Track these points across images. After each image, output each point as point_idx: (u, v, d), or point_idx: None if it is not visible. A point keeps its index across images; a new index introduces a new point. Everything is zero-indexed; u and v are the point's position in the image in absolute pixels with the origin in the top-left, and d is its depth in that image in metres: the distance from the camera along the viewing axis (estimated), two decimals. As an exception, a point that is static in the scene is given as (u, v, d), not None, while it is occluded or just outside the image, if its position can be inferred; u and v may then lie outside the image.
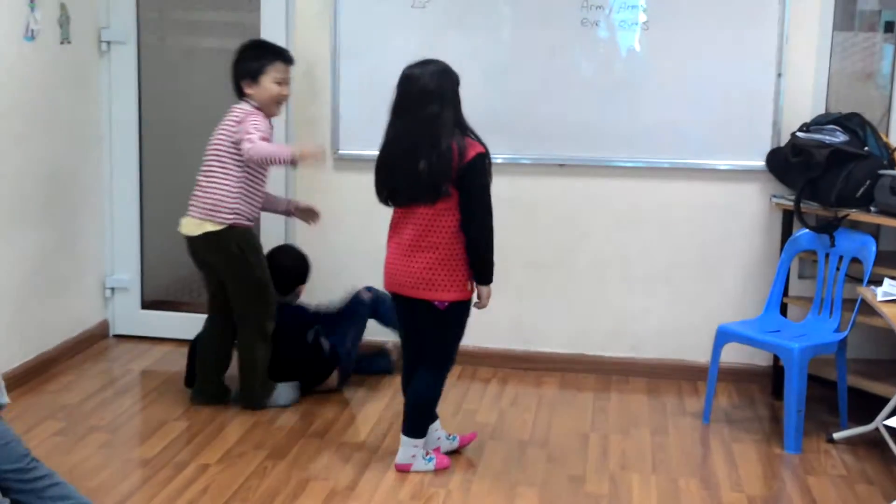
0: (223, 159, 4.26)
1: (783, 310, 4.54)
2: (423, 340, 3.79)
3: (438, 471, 3.84)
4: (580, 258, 4.98)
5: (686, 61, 4.76)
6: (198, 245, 4.32)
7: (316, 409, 4.43)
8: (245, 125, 4.19)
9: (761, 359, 4.83)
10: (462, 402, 4.57)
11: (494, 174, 4.90)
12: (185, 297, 5.44)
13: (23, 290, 4.59)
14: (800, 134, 4.54)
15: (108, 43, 5.19)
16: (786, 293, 4.56)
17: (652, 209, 4.90)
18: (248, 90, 4.28)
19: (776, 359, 4.64)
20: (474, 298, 3.77)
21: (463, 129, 3.66)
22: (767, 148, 4.72)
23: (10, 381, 4.44)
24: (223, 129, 4.28)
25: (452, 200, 3.62)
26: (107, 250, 5.32)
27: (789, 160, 4.54)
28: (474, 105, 4.85)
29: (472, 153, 3.59)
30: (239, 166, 4.25)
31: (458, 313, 3.74)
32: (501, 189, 4.93)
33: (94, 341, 5.22)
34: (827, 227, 4.35)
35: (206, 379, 4.46)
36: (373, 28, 4.94)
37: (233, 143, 4.23)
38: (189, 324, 5.29)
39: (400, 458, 3.84)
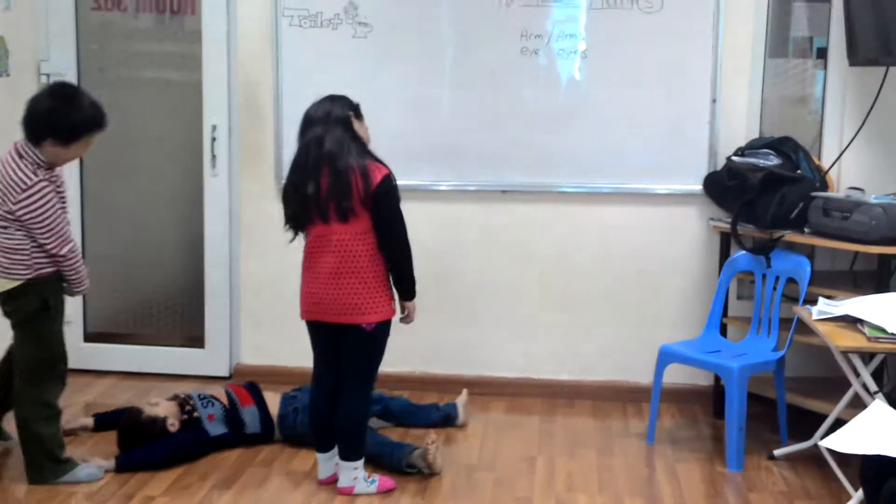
0: (5, 222, 3.81)
1: (723, 330, 4.63)
2: (346, 364, 3.82)
3: (383, 493, 3.85)
4: (525, 282, 5.04)
5: (624, 88, 4.85)
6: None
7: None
8: (39, 214, 3.73)
9: (703, 378, 4.92)
10: (409, 429, 4.58)
11: (439, 200, 5.04)
12: (130, 328, 5.39)
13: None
14: (735, 158, 4.65)
15: (48, 75, 5.16)
16: (725, 313, 4.65)
17: (594, 233, 4.98)
18: (51, 147, 3.76)
19: (717, 378, 4.73)
20: (397, 314, 3.84)
21: (361, 151, 3.73)
22: (704, 172, 4.82)
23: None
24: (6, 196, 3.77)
25: (366, 223, 3.69)
26: (49, 282, 5.25)
27: (725, 183, 4.64)
28: (417, 132, 4.97)
29: (378, 176, 3.67)
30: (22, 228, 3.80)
31: (382, 332, 3.81)
32: (447, 215, 5.04)
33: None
34: (763, 249, 4.45)
35: None
36: (315, 57, 4.97)
37: (11, 213, 3.77)
38: (134, 355, 5.27)
39: (342, 482, 3.86)
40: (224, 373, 5.23)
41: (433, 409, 4.65)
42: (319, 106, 3.76)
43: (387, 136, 4.84)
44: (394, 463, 4.07)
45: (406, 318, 3.90)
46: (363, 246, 3.70)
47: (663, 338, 4.71)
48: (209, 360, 5.24)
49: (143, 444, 4.14)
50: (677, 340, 4.65)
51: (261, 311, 5.19)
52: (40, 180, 3.77)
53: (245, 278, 5.18)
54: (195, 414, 4.25)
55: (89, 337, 5.33)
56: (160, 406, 4.24)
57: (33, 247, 3.82)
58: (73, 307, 5.24)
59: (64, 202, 3.93)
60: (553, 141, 4.92)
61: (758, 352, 4.36)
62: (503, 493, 3.92)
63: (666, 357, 4.43)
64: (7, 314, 3.94)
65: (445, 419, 4.62)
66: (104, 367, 5.28)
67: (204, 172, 5.15)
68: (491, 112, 4.94)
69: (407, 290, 3.84)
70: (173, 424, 4.19)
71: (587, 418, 4.79)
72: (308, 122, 3.75)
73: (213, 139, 5.12)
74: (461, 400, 4.71)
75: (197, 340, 5.27)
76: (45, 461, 3.91)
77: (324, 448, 3.94)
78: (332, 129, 3.69)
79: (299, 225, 3.80)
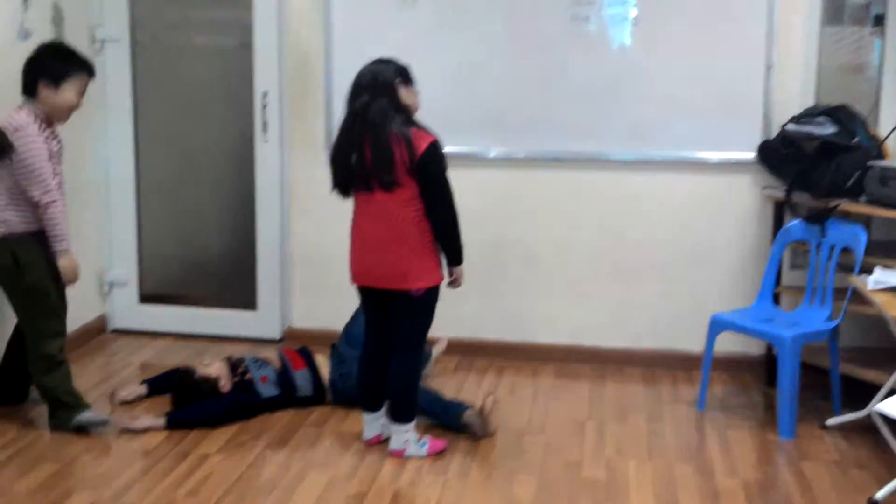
0: None
1: (776, 299, 4.60)
2: (396, 329, 3.85)
3: (434, 455, 3.89)
4: (575, 251, 5.03)
5: (677, 55, 4.81)
6: None
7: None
8: (26, 157, 3.88)
9: (755, 347, 4.89)
10: (459, 393, 4.60)
11: (489, 168, 5.03)
12: (184, 290, 5.46)
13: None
14: (790, 126, 4.60)
15: (102, 41, 5.22)
16: (778, 283, 4.62)
17: (645, 202, 4.95)
18: (44, 91, 3.96)
19: (770, 347, 4.70)
20: (448, 280, 3.86)
21: (409, 120, 3.73)
22: (758, 140, 4.77)
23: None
24: None
25: (411, 191, 3.69)
26: (104, 245, 5.35)
27: (780, 152, 4.60)
28: (467, 100, 4.97)
29: (423, 144, 3.67)
30: (5, 174, 3.95)
31: (430, 298, 3.83)
32: (496, 183, 5.03)
33: (93, 336, 5.26)
34: (818, 218, 4.41)
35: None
36: (364, 24, 4.98)
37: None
38: (188, 317, 5.35)
39: (393, 444, 3.91)
40: (275, 335, 5.29)
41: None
42: (367, 71, 3.76)
43: (436, 103, 4.85)
44: (448, 421, 4.11)
45: (454, 284, 3.91)
46: (409, 213, 3.72)
47: (714, 307, 4.70)
48: (261, 322, 5.30)
49: (195, 403, 4.20)
50: (729, 309, 4.62)
51: (311, 276, 5.23)
52: (31, 126, 3.91)
53: (296, 243, 5.22)
54: (248, 376, 4.31)
55: (144, 298, 5.42)
56: (212, 366, 4.30)
57: (7, 203, 3.94)
58: (128, 269, 5.36)
59: (55, 163, 4.01)
60: (604, 109, 4.89)
61: (811, 321, 4.33)
62: (553, 457, 3.94)
63: (718, 326, 4.42)
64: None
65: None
66: (159, 328, 5.36)
67: (255, 139, 5.19)
68: (541, 80, 4.92)
69: (454, 255, 3.84)
70: (225, 385, 4.25)
71: (637, 385, 4.79)
72: (355, 88, 3.76)
73: (264, 106, 5.15)
74: (437, 348, 4.76)
75: (249, 303, 5.33)
76: (56, 409, 4.05)
77: (371, 409, 3.99)
78: (377, 97, 3.69)
79: (345, 192, 3.83)
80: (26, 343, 4.08)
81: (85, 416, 4.07)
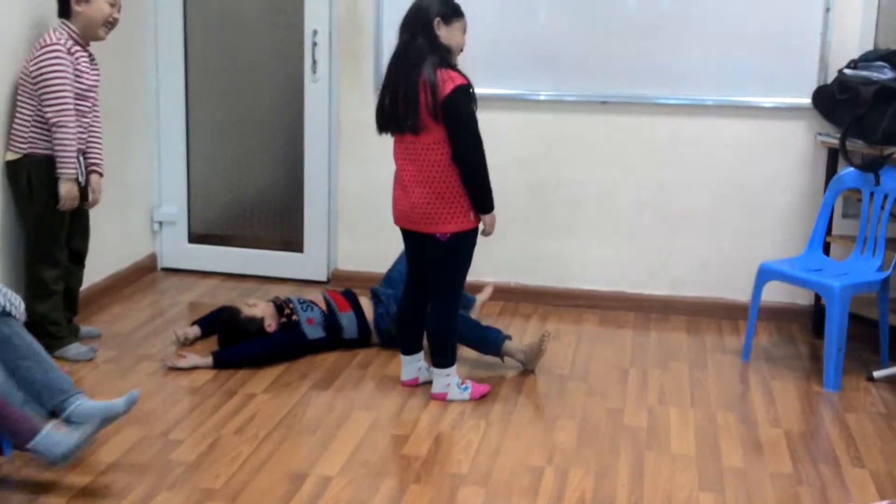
0: (23, 87, 4.04)
1: (826, 248, 4.53)
2: (431, 272, 3.86)
3: (477, 400, 3.92)
4: (622, 196, 4.99)
5: (733, -5, 4.71)
6: (4, 174, 4.13)
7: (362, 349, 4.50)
8: (47, 73, 3.94)
9: (803, 297, 4.84)
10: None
11: (537, 110, 4.98)
12: (232, 232, 5.52)
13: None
14: (847, 71, 4.49)
15: (152, -21, 5.24)
16: (829, 232, 4.54)
17: (695, 147, 4.88)
18: (76, 7, 4.01)
19: (818, 297, 4.65)
20: (480, 227, 3.83)
21: (441, 59, 3.67)
22: (814, 85, 4.67)
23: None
24: (30, 57, 4.04)
25: (439, 134, 3.67)
26: (154, 184, 5.41)
27: (836, 97, 4.49)
28: (515, 40, 4.91)
29: (449, 87, 3.62)
30: (33, 96, 4.03)
31: (460, 244, 3.80)
32: (544, 126, 4.99)
33: (143, 274, 5.34)
34: (872, 166, 4.31)
35: None
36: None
37: (28, 73, 4.02)
38: (235, 257, 5.41)
39: (435, 388, 3.94)
40: (322, 277, 5.34)
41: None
42: (410, 9, 3.73)
43: (485, 44, 4.84)
44: (488, 348, 4.21)
45: (484, 232, 3.85)
46: (436, 156, 3.69)
47: (763, 255, 4.65)
48: (308, 264, 5.35)
49: (241, 342, 4.27)
50: (777, 258, 4.56)
51: (358, 218, 5.25)
52: (61, 45, 3.96)
53: (343, 185, 5.24)
54: (294, 317, 4.35)
55: (193, 238, 5.48)
56: (258, 307, 4.35)
57: (34, 121, 4.00)
58: (178, 208, 5.42)
59: (87, 84, 4.07)
60: (655, 50, 4.81)
61: (861, 271, 4.26)
62: (595, 403, 3.95)
63: (766, 274, 4.37)
64: (11, 187, 4.12)
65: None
66: (207, 268, 5.43)
67: (304, 78, 5.18)
68: (592, 20, 4.84)
69: (481, 202, 3.77)
70: (270, 325, 4.31)
71: (681, 333, 4.77)
72: (400, 27, 3.74)
73: (314, 44, 5.13)
74: (482, 295, 4.76)
75: (296, 245, 5.37)
76: (40, 336, 4.01)
77: (408, 350, 4.02)
78: (414, 37, 3.67)
79: (382, 131, 3.83)
80: (24, 267, 4.15)
81: (71, 350, 4.18)
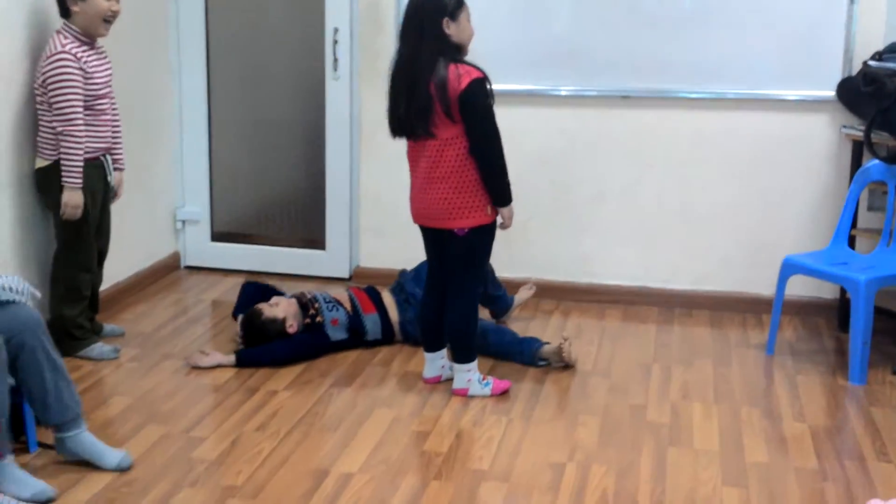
0: (38, 96, 4.03)
1: (851, 242, 4.48)
2: (449, 268, 3.85)
3: (498, 396, 3.91)
4: (645, 190, 4.96)
5: (755, -11, 4.67)
6: (35, 180, 4.15)
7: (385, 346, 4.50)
8: (53, 83, 3.92)
9: (828, 291, 4.79)
10: (525, 334, 4.59)
11: (559, 106, 4.97)
12: (254, 230, 5.53)
13: (97, 222, 4.71)
14: (872, 62, 4.44)
15: (175, -22, 5.26)
16: (854, 225, 4.50)
17: (718, 141, 4.85)
18: (73, 7, 3.96)
19: (843, 291, 4.60)
20: (498, 220, 3.81)
21: (453, 57, 3.64)
22: (838, 77, 4.62)
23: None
24: (40, 65, 4.01)
25: (456, 129, 3.65)
26: (177, 183, 5.44)
27: (860, 90, 4.45)
28: (537, 35, 4.89)
29: (465, 80, 3.60)
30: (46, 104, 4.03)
31: (479, 238, 3.79)
32: (566, 121, 4.97)
33: (167, 272, 5.37)
34: (898, 158, 4.26)
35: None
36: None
37: (39, 82, 4.01)
38: (258, 255, 5.43)
39: (456, 384, 3.94)
40: (344, 274, 5.34)
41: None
42: (413, 10, 3.65)
43: (506, 40, 4.83)
44: (525, 359, 4.19)
45: (502, 225, 3.83)
46: (452, 152, 3.68)
47: (787, 249, 4.61)
48: (330, 262, 5.35)
49: (266, 342, 4.27)
50: (802, 252, 4.52)
51: (379, 216, 5.25)
52: (66, 52, 3.94)
53: (365, 182, 5.24)
54: (318, 318, 4.35)
55: (216, 237, 5.50)
56: (279, 306, 4.35)
57: (55, 121, 4.00)
58: (201, 207, 5.44)
59: (100, 82, 4.05)
60: (677, 44, 4.78)
61: (887, 265, 4.21)
62: (617, 399, 3.93)
63: (790, 268, 4.33)
64: (43, 194, 4.14)
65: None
66: (230, 265, 5.45)
67: (326, 76, 5.19)
68: (613, 14, 4.81)
69: (499, 195, 3.75)
70: (292, 325, 4.31)
71: (705, 328, 4.74)
72: (403, 30, 3.69)
73: (335, 42, 5.14)
74: (522, 294, 4.79)
75: (318, 243, 5.38)
76: (64, 337, 4.13)
77: (430, 348, 4.02)
78: (422, 41, 3.61)
79: (396, 135, 3.82)
80: (53, 267, 4.17)
81: (94, 350, 4.20)
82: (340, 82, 5.18)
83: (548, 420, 3.74)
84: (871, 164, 4.39)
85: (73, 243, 4.15)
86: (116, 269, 4.80)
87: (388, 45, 5.04)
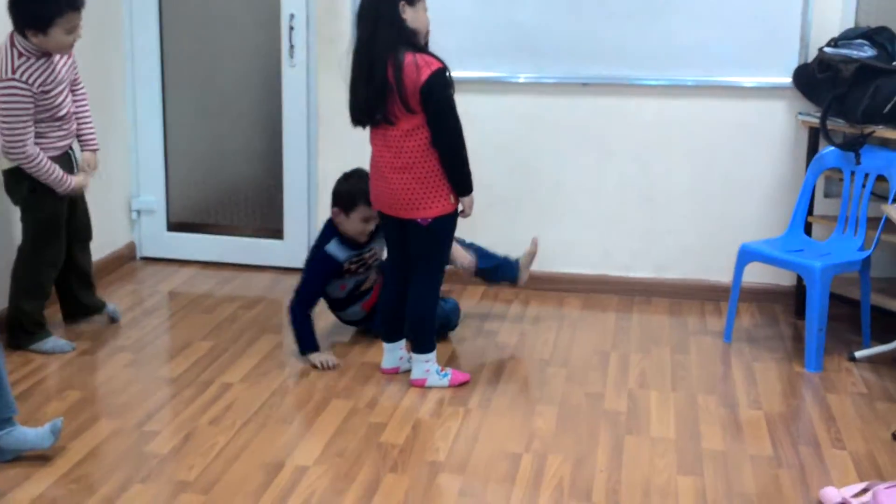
0: None
1: (807, 229, 4.50)
2: (412, 257, 3.83)
3: (456, 386, 3.89)
4: (604, 178, 4.95)
5: (712, -25, 4.66)
6: (3, 181, 4.10)
7: (337, 332, 4.47)
8: (4, 107, 3.80)
9: (784, 278, 4.81)
10: (483, 323, 4.60)
11: (518, 93, 4.94)
12: (211, 219, 5.47)
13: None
14: (827, 49, 4.45)
15: (126, -36, 5.17)
16: (810, 212, 4.52)
17: (676, 128, 4.85)
18: (33, 38, 3.79)
19: (799, 278, 4.62)
20: (459, 208, 3.79)
21: (413, 46, 3.62)
22: (794, 64, 4.63)
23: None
24: None
25: (417, 119, 3.62)
26: (132, 172, 5.36)
27: (816, 76, 4.46)
28: (496, 22, 4.86)
29: (426, 72, 3.57)
30: None
31: (442, 227, 3.78)
32: (525, 108, 4.95)
33: (122, 263, 5.30)
34: (853, 145, 4.28)
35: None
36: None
37: None
38: (215, 245, 5.37)
39: (414, 374, 3.92)
40: (302, 264, 5.27)
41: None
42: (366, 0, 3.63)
43: (463, 25, 4.79)
44: (508, 273, 4.50)
45: (463, 214, 3.82)
46: (413, 142, 3.65)
47: (745, 236, 4.61)
48: (288, 251, 5.30)
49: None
50: (759, 239, 4.54)
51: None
52: (17, 79, 3.80)
53: (323, 171, 5.18)
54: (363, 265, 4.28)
55: (172, 227, 5.43)
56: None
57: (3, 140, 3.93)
58: (156, 196, 5.37)
59: (56, 91, 3.94)
60: (635, 31, 4.76)
61: (843, 251, 4.23)
62: (574, 388, 3.92)
63: (747, 255, 4.34)
64: (9, 195, 4.09)
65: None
66: (186, 256, 5.38)
67: (282, 63, 5.13)
68: (571, 1, 4.78)
69: (460, 185, 3.73)
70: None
71: (663, 316, 4.74)
72: (359, 15, 3.66)
73: (291, 28, 5.08)
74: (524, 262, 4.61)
75: (276, 232, 5.33)
76: (19, 331, 4.13)
77: (389, 338, 3.99)
78: (379, 29, 3.59)
79: (357, 123, 3.79)
80: (17, 261, 4.14)
81: (48, 344, 4.15)
82: (297, 69, 5.12)
83: (505, 410, 3.73)
84: (826, 151, 4.40)
85: (41, 238, 4.09)
86: (69, 260, 4.72)
87: (344, 32, 4.99)
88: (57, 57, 3.96)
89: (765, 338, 4.46)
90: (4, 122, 3.85)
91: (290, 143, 5.20)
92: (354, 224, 4.14)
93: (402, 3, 3.61)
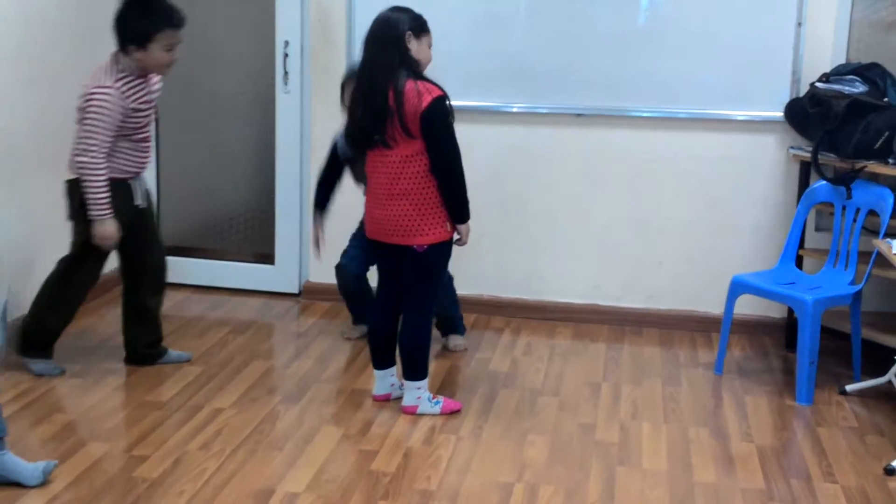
0: (79, 111, 3.95)
1: (798, 262, 4.52)
2: (406, 284, 3.83)
3: (448, 415, 3.87)
4: (596, 208, 4.97)
5: (705, 9, 4.70)
6: (66, 189, 4.09)
7: (329, 356, 4.46)
8: (89, 114, 3.86)
9: (775, 311, 4.82)
10: (475, 352, 4.59)
11: (510, 123, 4.97)
12: (203, 244, 5.45)
13: (40, 234, 4.62)
14: (819, 84, 4.49)
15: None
16: (801, 245, 4.54)
17: (668, 160, 4.87)
18: (133, 53, 3.92)
19: (790, 311, 4.63)
20: (455, 237, 3.80)
21: (415, 74, 3.65)
22: (786, 98, 4.67)
23: (28, 325, 4.50)
24: (85, 83, 3.96)
25: (418, 146, 3.64)
26: (123, 196, 5.33)
27: (808, 111, 4.50)
28: (489, 51, 4.89)
29: (427, 99, 3.60)
30: None
31: (437, 255, 3.78)
32: (517, 138, 4.97)
33: (112, 286, 5.24)
34: (844, 179, 4.31)
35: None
36: (389, -26, 4.89)
37: (81, 104, 3.94)
38: (206, 269, 5.35)
39: (405, 401, 3.90)
40: (294, 290, 5.28)
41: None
42: (379, 22, 3.69)
43: (457, 55, 4.82)
44: (454, 327, 4.61)
45: (459, 242, 3.83)
46: (413, 168, 3.66)
47: (736, 268, 4.63)
48: (279, 277, 5.29)
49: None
50: (750, 271, 4.55)
51: (330, 231, 5.16)
52: (114, 89, 3.88)
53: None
54: None
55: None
56: None
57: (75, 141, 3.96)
58: (146, 221, 5.33)
59: (144, 114, 4.01)
60: (630, 63, 4.80)
61: (834, 285, 4.25)
62: (566, 418, 3.92)
63: (738, 287, 4.35)
64: (69, 203, 4.07)
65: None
66: (177, 279, 5.32)
67: (276, 89, 5.14)
68: (565, 32, 4.83)
69: (458, 212, 3.75)
70: None
71: (654, 347, 4.75)
72: (366, 40, 3.70)
73: (286, 55, 5.10)
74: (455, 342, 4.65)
75: (267, 257, 5.32)
76: (24, 340, 4.12)
77: (381, 365, 3.98)
78: (384, 52, 3.62)
79: (356, 146, 3.80)
80: (54, 272, 4.12)
81: (39, 366, 4.13)
82: (291, 96, 5.14)
83: (497, 439, 3.72)
84: (817, 184, 4.43)
85: (83, 256, 4.07)
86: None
87: (338, 60, 5.01)
88: (154, 79, 4.05)
89: (755, 370, 4.47)
90: (87, 127, 3.89)
91: (283, 169, 5.21)
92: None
93: (409, 33, 3.66)
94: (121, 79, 3.91)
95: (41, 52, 4.59)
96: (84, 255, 4.08)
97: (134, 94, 3.95)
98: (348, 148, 3.93)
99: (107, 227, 3.96)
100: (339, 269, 4.57)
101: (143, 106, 4.00)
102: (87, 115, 3.88)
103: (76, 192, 3.98)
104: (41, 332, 4.15)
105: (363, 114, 3.67)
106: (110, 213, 3.95)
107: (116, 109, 3.89)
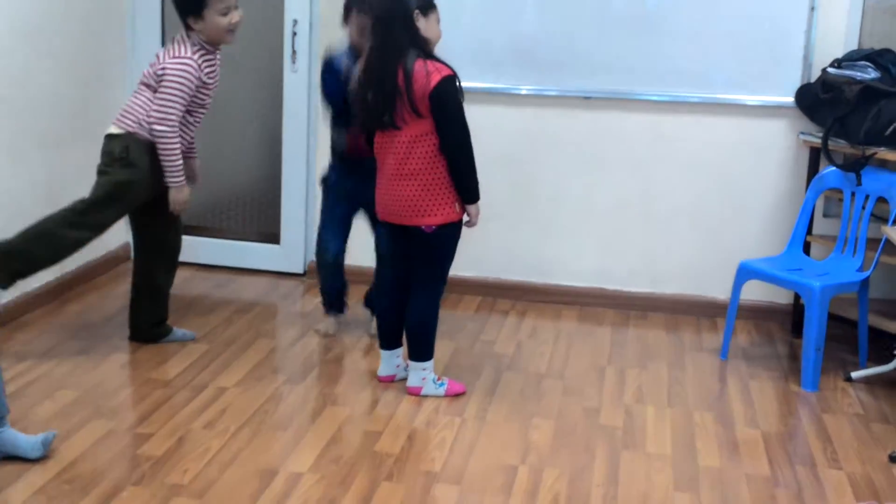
0: (145, 80, 4.04)
1: (806, 248, 4.50)
2: (415, 264, 3.81)
3: (452, 397, 3.87)
4: (603, 192, 4.95)
5: (718, -8, 4.67)
6: (103, 143, 4.10)
7: (334, 336, 4.45)
8: (169, 82, 3.95)
9: (782, 297, 4.81)
10: (480, 334, 4.58)
11: (519, 105, 4.94)
12: (208, 223, 5.44)
13: (46, 211, 4.60)
14: (831, 70, 4.46)
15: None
16: (809, 231, 4.52)
17: (677, 144, 4.85)
18: (195, 27, 3.99)
19: (797, 297, 4.62)
20: (465, 218, 3.79)
21: (424, 53, 3.63)
22: (797, 84, 4.64)
23: (34, 301, 4.52)
24: (160, 56, 4.04)
25: (427, 125, 3.62)
26: (130, 174, 5.32)
27: (819, 97, 4.47)
28: (499, 34, 4.86)
29: (436, 78, 3.57)
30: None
31: (446, 235, 3.76)
32: (526, 121, 4.94)
33: (117, 263, 5.26)
34: (854, 166, 4.28)
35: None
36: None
37: (153, 71, 4.01)
38: (211, 248, 5.34)
39: (410, 381, 3.90)
40: (299, 269, 5.27)
41: None
42: (384, 2, 3.64)
43: (466, 37, 4.79)
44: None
45: (469, 223, 3.82)
46: (421, 149, 3.65)
47: (743, 254, 4.62)
48: (284, 256, 5.28)
49: None
50: (758, 257, 4.54)
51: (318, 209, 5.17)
52: (193, 60, 3.97)
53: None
54: None
55: (168, 229, 5.39)
56: None
57: (151, 110, 3.99)
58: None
59: (208, 94, 4.08)
60: (639, 47, 4.77)
61: (841, 271, 4.24)
62: (571, 401, 3.91)
63: (745, 273, 4.33)
64: (101, 159, 4.07)
65: None
66: (182, 258, 5.28)
67: (284, 68, 5.12)
68: (575, 14, 4.79)
69: (468, 192, 3.74)
70: None
71: (660, 331, 4.73)
72: (374, 19, 3.66)
73: (294, 34, 5.07)
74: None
75: (273, 237, 5.31)
76: (8, 262, 3.94)
77: (387, 345, 3.97)
78: (391, 32, 3.59)
79: (364, 128, 3.78)
80: (61, 211, 4.03)
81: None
82: (298, 75, 5.11)
83: (501, 422, 3.71)
84: (827, 171, 4.41)
85: (102, 202, 4.03)
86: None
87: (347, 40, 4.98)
88: (219, 57, 4.10)
89: (761, 356, 4.45)
90: (165, 95, 3.95)
91: (290, 149, 5.19)
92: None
93: (417, 11, 3.64)
94: (197, 51, 3.99)
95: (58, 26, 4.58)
96: (103, 201, 4.03)
97: (206, 67, 4.03)
98: (361, 126, 3.85)
99: (183, 193, 4.06)
100: (321, 248, 4.45)
101: (210, 81, 4.06)
102: (167, 85, 3.95)
103: (115, 143, 4.01)
104: (19, 259, 3.96)
105: (374, 95, 3.64)
106: (185, 181, 4.05)
107: (194, 80, 3.98)
